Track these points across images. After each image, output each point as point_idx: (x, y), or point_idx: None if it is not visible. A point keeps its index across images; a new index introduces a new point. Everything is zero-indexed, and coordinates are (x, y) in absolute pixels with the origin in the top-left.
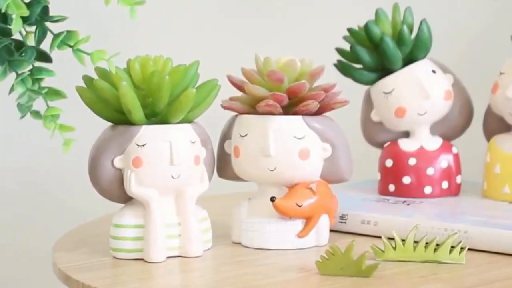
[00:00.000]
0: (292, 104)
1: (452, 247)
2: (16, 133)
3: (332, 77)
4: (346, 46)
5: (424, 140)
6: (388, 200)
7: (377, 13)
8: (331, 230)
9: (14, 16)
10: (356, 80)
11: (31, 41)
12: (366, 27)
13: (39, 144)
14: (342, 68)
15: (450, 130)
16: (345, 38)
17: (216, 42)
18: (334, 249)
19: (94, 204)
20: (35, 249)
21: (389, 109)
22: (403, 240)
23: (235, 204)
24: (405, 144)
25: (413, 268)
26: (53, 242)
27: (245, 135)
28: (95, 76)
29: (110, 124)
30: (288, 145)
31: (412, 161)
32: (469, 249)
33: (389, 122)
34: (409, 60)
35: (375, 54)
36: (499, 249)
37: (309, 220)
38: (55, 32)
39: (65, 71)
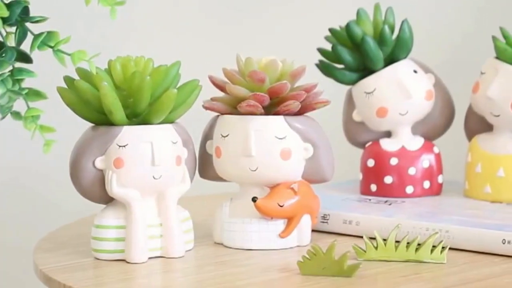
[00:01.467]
0: (274, 104)
1: (434, 246)
2: (1, 131)
3: (313, 77)
4: (328, 46)
5: (405, 140)
6: (370, 200)
7: (358, 13)
8: (313, 230)
9: None
10: (338, 80)
11: (11, 42)
12: (348, 27)
13: (26, 142)
14: (323, 68)
15: (432, 130)
16: (326, 38)
17: (197, 43)
18: (316, 249)
19: (84, 203)
20: (22, 249)
21: (370, 109)
22: (384, 240)
23: (217, 204)
24: (386, 144)
25: (395, 268)
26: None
27: (227, 136)
28: (76, 77)
29: (91, 124)
30: (269, 145)
31: (393, 161)
32: (450, 249)
33: (370, 122)
34: (390, 60)
35: (356, 54)
36: (481, 248)
37: (291, 220)
38: (36, 32)
39: (46, 72)
